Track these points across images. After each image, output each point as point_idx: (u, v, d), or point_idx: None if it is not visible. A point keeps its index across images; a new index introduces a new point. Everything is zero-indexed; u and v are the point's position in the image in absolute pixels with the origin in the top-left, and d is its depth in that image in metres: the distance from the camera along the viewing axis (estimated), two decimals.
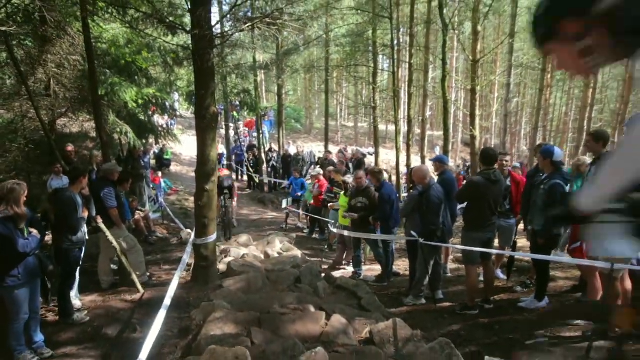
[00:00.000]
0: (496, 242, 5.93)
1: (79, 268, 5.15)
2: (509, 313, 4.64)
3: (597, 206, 1.21)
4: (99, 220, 5.24)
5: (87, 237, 5.18)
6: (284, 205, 11.24)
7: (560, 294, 5.09)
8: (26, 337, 4.01)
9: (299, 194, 11.57)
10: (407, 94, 18.44)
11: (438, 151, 26.53)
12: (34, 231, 4.01)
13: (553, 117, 31.62)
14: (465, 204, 4.98)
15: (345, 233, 7.06)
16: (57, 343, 4.35)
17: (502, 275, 5.95)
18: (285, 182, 14.56)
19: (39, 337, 4.15)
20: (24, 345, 3.97)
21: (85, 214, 5.14)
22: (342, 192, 7.81)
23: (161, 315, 3.25)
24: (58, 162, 7.30)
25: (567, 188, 4.49)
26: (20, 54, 7.04)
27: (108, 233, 5.25)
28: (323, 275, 6.10)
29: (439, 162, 6.17)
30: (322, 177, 10.35)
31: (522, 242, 6.88)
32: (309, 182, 12.95)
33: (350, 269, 7.48)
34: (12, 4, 5.41)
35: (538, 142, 16.26)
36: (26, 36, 6.98)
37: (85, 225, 5.05)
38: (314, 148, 21.00)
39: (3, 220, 3.70)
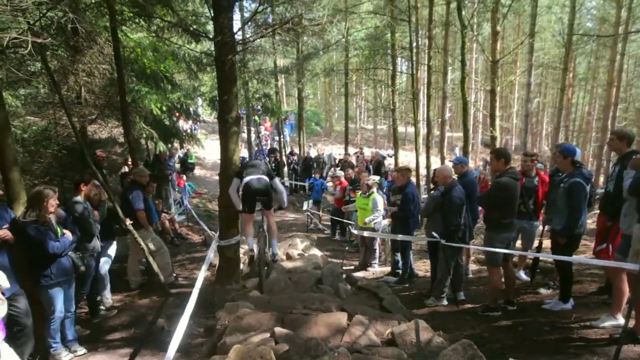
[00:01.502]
0: (518, 243, 5.81)
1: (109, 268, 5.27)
2: (532, 315, 4.52)
3: None
4: (128, 222, 5.36)
5: (100, 244, 5.22)
6: (305, 207, 11.27)
7: (585, 296, 4.94)
8: (60, 335, 4.13)
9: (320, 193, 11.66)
10: (426, 95, 18.21)
11: (457, 152, 26.19)
12: (67, 232, 4.12)
13: (575, 117, 30.78)
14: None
15: (365, 234, 7.04)
16: (88, 340, 4.46)
17: (524, 277, 5.81)
18: (306, 184, 14.58)
19: (72, 335, 4.27)
20: (60, 343, 4.09)
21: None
22: (359, 194, 7.73)
23: (187, 315, 3.30)
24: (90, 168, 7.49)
25: (588, 188, 4.38)
26: (54, 64, 7.26)
27: (137, 235, 5.35)
28: (344, 276, 6.08)
29: (460, 164, 6.08)
30: (343, 179, 10.33)
31: (547, 242, 6.70)
32: (330, 184, 12.96)
33: (372, 270, 7.45)
34: (46, 16, 5.58)
35: (559, 142, 15.84)
36: (59, 47, 7.20)
37: (98, 234, 5.06)
38: (334, 150, 20.99)
39: (32, 223, 3.81)
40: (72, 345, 4.22)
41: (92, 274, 4.87)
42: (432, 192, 6.08)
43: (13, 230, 3.77)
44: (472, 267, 6.87)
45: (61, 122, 8.01)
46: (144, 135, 8.87)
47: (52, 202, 3.92)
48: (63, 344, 4.13)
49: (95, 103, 8.24)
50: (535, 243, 5.53)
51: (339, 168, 16.24)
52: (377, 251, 7.76)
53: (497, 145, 11.30)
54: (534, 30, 17.04)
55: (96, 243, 5.01)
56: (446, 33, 17.60)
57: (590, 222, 7.43)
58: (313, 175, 13.16)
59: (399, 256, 6.76)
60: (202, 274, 4.31)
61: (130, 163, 8.01)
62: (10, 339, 3.33)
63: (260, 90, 10.16)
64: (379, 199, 7.34)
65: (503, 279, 5.09)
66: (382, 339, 3.72)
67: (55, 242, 3.91)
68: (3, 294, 2.99)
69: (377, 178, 8.17)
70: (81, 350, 4.22)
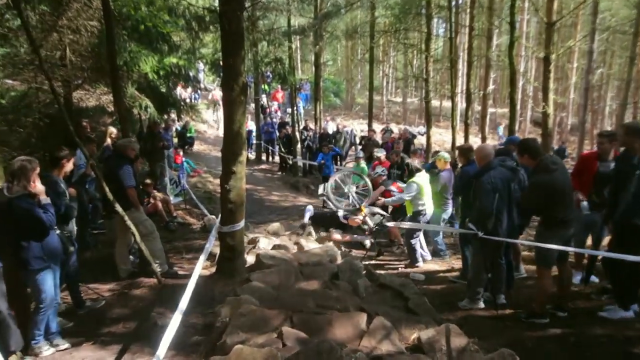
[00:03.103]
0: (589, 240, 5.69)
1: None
2: (586, 323, 4.45)
3: None
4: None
5: (75, 228, 5.33)
6: (321, 191, 11.24)
7: None
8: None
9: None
10: (466, 63, 17.90)
11: (501, 131, 25.76)
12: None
13: None
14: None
15: (406, 225, 7.04)
16: (72, 334, 4.57)
17: (596, 279, 5.67)
18: (315, 162, 14.44)
19: (56, 327, 4.37)
20: (42, 336, 4.19)
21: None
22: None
23: (181, 309, 3.34)
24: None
25: None
26: (34, 19, 7.30)
27: (126, 216, 5.41)
28: (364, 271, 6.08)
29: (514, 144, 5.92)
30: (383, 158, 10.08)
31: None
32: (350, 164, 12.89)
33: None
34: None
35: (626, 121, 15.40)
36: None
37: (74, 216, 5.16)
38: (356, 126, 20.87)
39: (21, 197, 3.90)
40: (55, 339, 4.30)
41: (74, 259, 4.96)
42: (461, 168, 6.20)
43: None
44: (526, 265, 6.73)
45: (43, 87, 8.10)
46: (137, 104, 8.91)
47: (36, 176, 4.02)
48: (45, 337, 4.23)
49: (82, 65, 8.30)
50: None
51: (360, 147, 16.17)
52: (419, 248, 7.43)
53: (550, 124, 11.04)
54: None
55: (73, 226, 5.09)
56: None
57: None
58: (321, 150, 12.98)
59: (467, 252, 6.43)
60: (200, 264, 4.35)
61: (112, 135, 8.05)
62: None
63: (271, 53, 10.06)
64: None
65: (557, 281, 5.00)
66: (406, 344, 3.71)
67: (47, 214, 4.00)
68: None
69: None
70: (64, 345, 4.31)
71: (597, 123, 29.11)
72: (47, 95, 8.17)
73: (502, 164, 5.15)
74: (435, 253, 7.69)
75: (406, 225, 7.05)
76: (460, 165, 6.77)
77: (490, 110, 26.21)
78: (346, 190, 8.81)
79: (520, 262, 6.35)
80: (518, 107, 17.73)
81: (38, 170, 4.07)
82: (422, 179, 7.25)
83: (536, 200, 4.61)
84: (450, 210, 7.60)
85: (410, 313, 4.66)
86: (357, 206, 8.18)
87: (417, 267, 7.17)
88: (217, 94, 19.49)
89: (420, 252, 7.33)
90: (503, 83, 35.66)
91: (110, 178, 5.66)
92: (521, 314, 4.84)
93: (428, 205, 7.21)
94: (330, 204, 10.09)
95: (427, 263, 7.41)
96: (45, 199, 4.03)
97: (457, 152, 7.31)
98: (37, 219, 3.94)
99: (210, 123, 22.47)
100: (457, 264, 7.08)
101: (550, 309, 4.76)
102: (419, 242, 7.32)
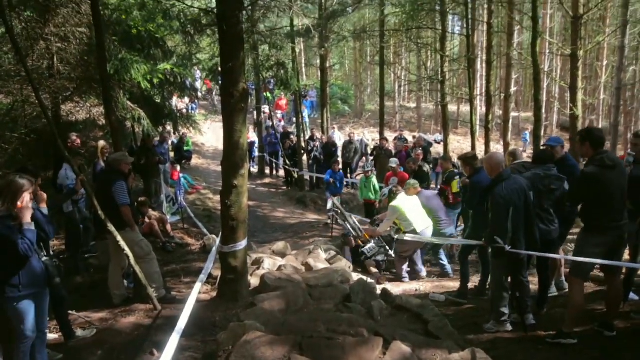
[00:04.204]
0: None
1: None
2: (627, 346, 4.37)
3: None
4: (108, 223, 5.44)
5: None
6: (329, 206, 11.26)
7: None
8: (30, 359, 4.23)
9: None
10: (485, 63, 17.90)
11: (528, 137, 25.63)
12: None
13: None
14: None
15: (408, 238, 7.26)
16: None
17: (636, 297, 5.59)
18: (325, 177, 14.40)
19: None
20: None
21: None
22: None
23: (175, 338, 3.33)
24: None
25: None
26: (19, 27, 7.44)
27: (119, 237, 5.44)
28: (379, 292, 6.04)
29: (559, 146, 5.89)
30: (399, 170, 10.17)
31: None
32: (361, 176, 12.91)
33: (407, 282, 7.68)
34: None
35: None
36: (25, 5, 7.37)
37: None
38: (366, 135, 20.90)
39: (2, 219, 3.89)
40: None
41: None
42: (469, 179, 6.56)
43: None
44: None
45: (30, 99, 8.23)
46: (130, 116, 9.01)
47: (28, 196, 3.99)
48: None
49: (71, 75, 8.42)
50: None
51: (372, 157, 16.16)
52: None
53: (580, 127, 11.00)
54: None
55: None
56: None
57: None
58: (332, 168, 13.08)
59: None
60: (197, 286, 4.35)
61: (104, 149, 8.12)
62: None
63: (273, 57, 10.15)
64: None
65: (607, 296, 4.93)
66: None
67: (24, 242, 3.96)
68: None
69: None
70: None
71: (630, 125, 28.90)
72: (35, 109, 8.27)
73: (519, 171, 5.21)
74: (444, 273, 8.02)
75: (409, 238, 7.32)
76: (467, 175, 6.82)
77: (513, 114, 26.15)
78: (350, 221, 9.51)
79: (563, 277, 6.28)
80: (543, 109, 17.68)
81: (31, 189, 4.02)
82: (402, 200, 7.73)
83: (581, 194, 4.57)
84: (450, 228, 8.01)
85: (430, 337, 4.61)
86: (360, 234, 8.93)
87: (404, 281, 7.76)
88: None
89: (416, 268, 7.97)
90: (526, 84, 35.64)
91: (103, 195, 5.70)
92: (548, 335, 4.78)
93: (420, 224, 7.54)
94: (340, 219, 10.14)
95: (441, 281, 7.65)
96: (27, 224, 3.95)
97: (460, 162, 7.32)
98: (13, 244, 3.86)
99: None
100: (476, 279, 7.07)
101: (596, 326, 4.69)
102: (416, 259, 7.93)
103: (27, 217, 3.98)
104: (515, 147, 11.45)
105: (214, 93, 25.55)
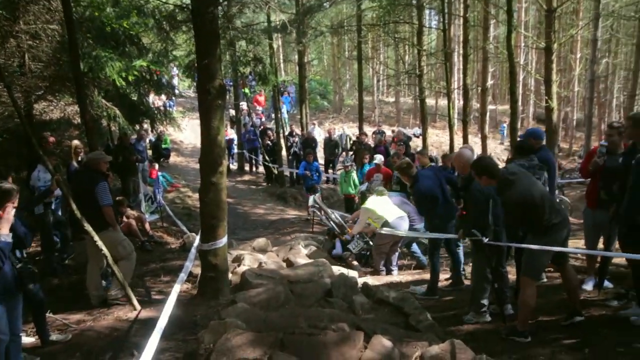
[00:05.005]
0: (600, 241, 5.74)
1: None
2: (602, 333, 4.47)
3: None
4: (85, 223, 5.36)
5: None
6: (311, 202, 11.26)
7: None
8: None
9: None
10: (461, 57, 18.03)
11: (505, 130, 25.97)
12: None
13: None
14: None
15: (384, 232, 7.26)
16: None
17: (610, 285, 5.68)
18: (299, 170, 14.29)
19: None
20: None
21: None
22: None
23: (155, 338, 3.30)
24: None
25: None
26: None
27: (96, 237, 5.37)
28: (360, 287, 6.07)
29: (534, 138, 5.93)
30: (381, 164, 10.14)
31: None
32: (340, 171, 12.91)
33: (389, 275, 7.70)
34: None
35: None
36: None
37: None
38: (346, 130, 20.94)
39: None
40: None
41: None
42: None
43: None
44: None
45: (2, 98, 8.04)
46: (105, 114, 8.87)
47: (11, 206, 3.89)
48: None
49: (43, 74, 8.25)
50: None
51: (351, 152, 16.20)
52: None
53: (555, 119, 11.16)
54: None
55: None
56: None
57: None
58: (306, 159, 13.03)
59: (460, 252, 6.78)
60: (177, 285, 4.32)
61: (77, 148, 7.98)
62: None
63: (250, 52, 10.07)
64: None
65: (565, 286, 5.02)
66: None
67: None
68: None
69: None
70: None
71: (604, 117, 29.52)
72: (6, 108, 8.10)
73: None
74: (420, 265, 8.19)
75: (385, 231, 7.29)
76: (408, 185, 6.74)
77: (490, 107, 26.48)
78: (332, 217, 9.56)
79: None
80: (519, 102, 17.90)
81: (16, 200, 3.92)
82: (371, 201, 7.70)
83: (515, 216, 4.59)
84: (421, 224, 7.77)
85: (411, 330, 4.66)
86: (344, 230, 8.96)
87: (382, 274, 7.74)
88: None
89: (390, 267, 7.93)
90: (502, 77, 36.08)
91: (82, 195, 5.61)
92: (501, 330, 4.82)
93: (391, 215, 7.43)
94: (321, 215, 10.15)
95: (421, 273, 7.71)
96: (5, 236, 3.81)
97: (398, 172, 7.40)
98: None
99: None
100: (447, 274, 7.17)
101: (567, 317, 4.76)
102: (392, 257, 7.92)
103: (6, 229, 3.87)
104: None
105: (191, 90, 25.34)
